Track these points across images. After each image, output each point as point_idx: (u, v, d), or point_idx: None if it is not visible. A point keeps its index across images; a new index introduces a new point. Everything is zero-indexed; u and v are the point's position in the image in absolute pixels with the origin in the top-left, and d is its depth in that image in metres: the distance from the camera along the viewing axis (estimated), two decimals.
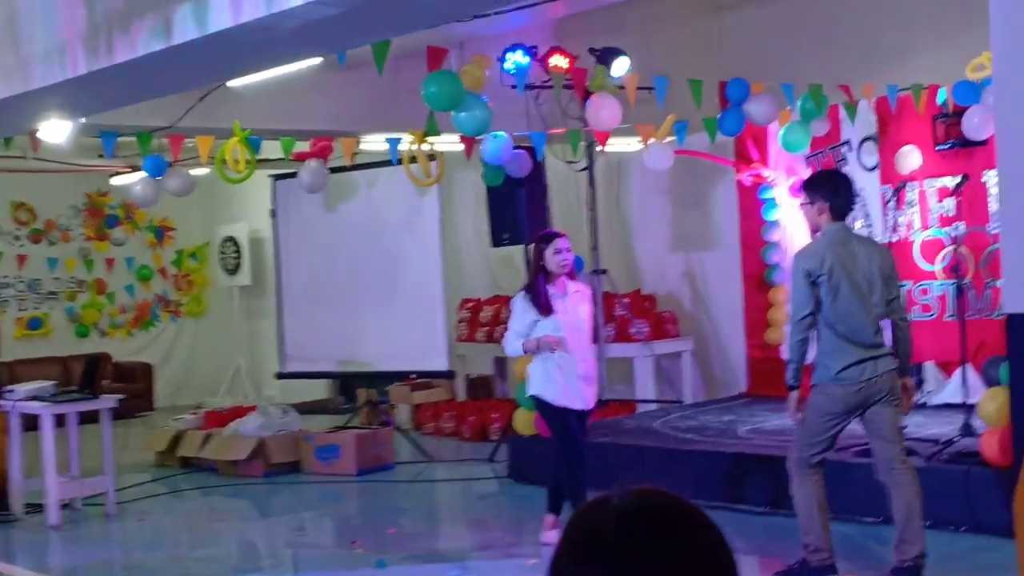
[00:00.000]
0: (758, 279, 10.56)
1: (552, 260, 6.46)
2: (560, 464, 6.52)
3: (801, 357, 5.67)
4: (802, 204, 5.75)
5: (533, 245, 6.76)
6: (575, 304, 6.53)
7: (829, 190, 5.62)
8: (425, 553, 7.03)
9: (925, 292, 9.34)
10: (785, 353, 5.90)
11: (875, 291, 5.56)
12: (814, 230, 5.73)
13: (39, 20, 6.40)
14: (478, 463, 9.65)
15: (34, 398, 8.42)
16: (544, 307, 6.41)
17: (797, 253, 5.76)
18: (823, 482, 5.77)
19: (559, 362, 6.43)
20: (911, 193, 9.27)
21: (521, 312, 6.50)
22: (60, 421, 8.45)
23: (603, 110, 8.10)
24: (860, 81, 8.94)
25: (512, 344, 6.56)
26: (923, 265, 9.34)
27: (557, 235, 6.62)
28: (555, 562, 1.21)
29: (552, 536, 6.57)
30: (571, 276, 6.60)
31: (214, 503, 9.12)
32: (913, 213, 9.36)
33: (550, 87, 8.99)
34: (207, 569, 6.76)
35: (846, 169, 9.80)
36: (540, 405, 6.62)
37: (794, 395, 5.75)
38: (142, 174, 9.11)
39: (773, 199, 10.34)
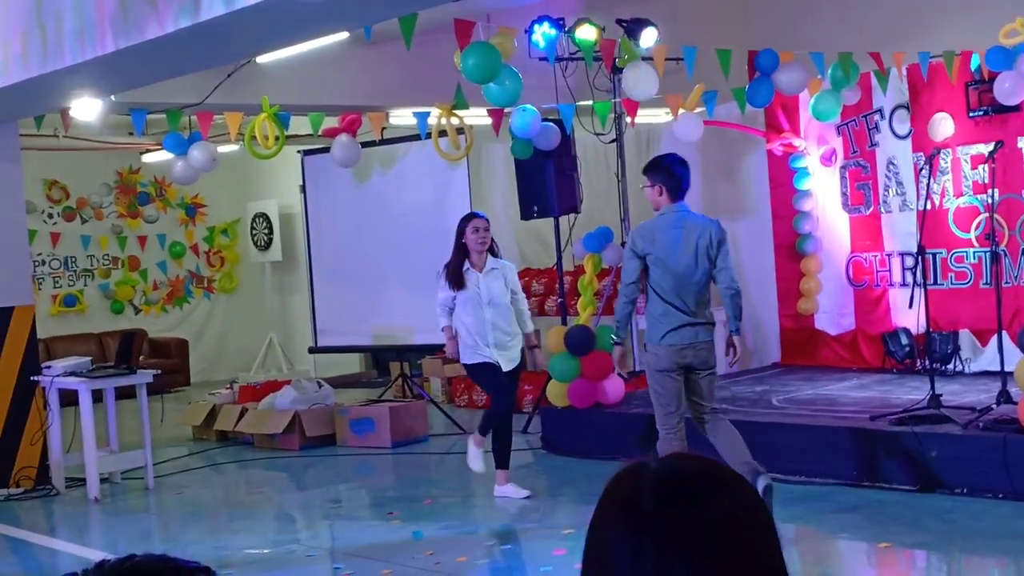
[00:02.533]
0: (790, 249, 10.51)
1: (471, 238, 7.24)
2: (495, 412, 7.38)
3: (626, 319, 6.44)
4: (644, 186, 6.44)
5: (457, 224, 7.44)
6: (491, 280, 7.25)
7: (665, 174, 6.34)
8: (460, 523, 7.08)
9: (960, 260, 9.28)
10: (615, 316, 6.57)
11: (700, 264, 6.33)
12: (656, 208, 6.43)
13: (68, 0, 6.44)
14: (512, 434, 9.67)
15: (71, 374, 8.52)
16: (456, 282, 7.25)
17: (634, 229, 6.59)
18: (685, 439, 6.38)
19: (475, 336, 7.24)
20: (944, 161, 9.18)
21: (443, 285, 7.35)
22: (97, 397, 8.55)
23: (639, 81, 8.05)
24: (891, 49, 8.85)
25: (438, 314, 7.41)
26: (958, 233, 9.26)
27: (477, 216, 7.42)
28: (594, 528, 1.22)
29: (505, 490, 7.35)
30: (492, 253, 7.32)
31: (251, 476, 9.22)
32: (946, 181, 9.28)
33: (578, 59, 8.97)
34: (245, 541, 6.84)
35: (878, 137, 9.73)
36: (469, 370, 7.49)
37: (618, 350, 6.53)
38: (191, 153, 9.14)
39: (804, 168, 10.27)
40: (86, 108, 8.10)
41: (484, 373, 7.39)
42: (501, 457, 7.42)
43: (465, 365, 7.49)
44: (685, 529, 1.15)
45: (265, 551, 6.58)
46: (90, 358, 9.11)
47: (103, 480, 8.52)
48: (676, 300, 6.31)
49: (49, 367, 8.71)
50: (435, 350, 11.99)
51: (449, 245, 10.98)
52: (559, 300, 10.16)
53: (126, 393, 9.01)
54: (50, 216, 14.83)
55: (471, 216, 7.47)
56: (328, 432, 9.96)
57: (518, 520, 7.05)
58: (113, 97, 8.14)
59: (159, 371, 9.12)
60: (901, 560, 5.94)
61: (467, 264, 7.29)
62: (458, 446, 9.64)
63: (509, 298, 7.33)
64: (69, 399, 8.65)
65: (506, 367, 7.31)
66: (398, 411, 9.91)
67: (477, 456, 7.47)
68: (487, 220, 7.43)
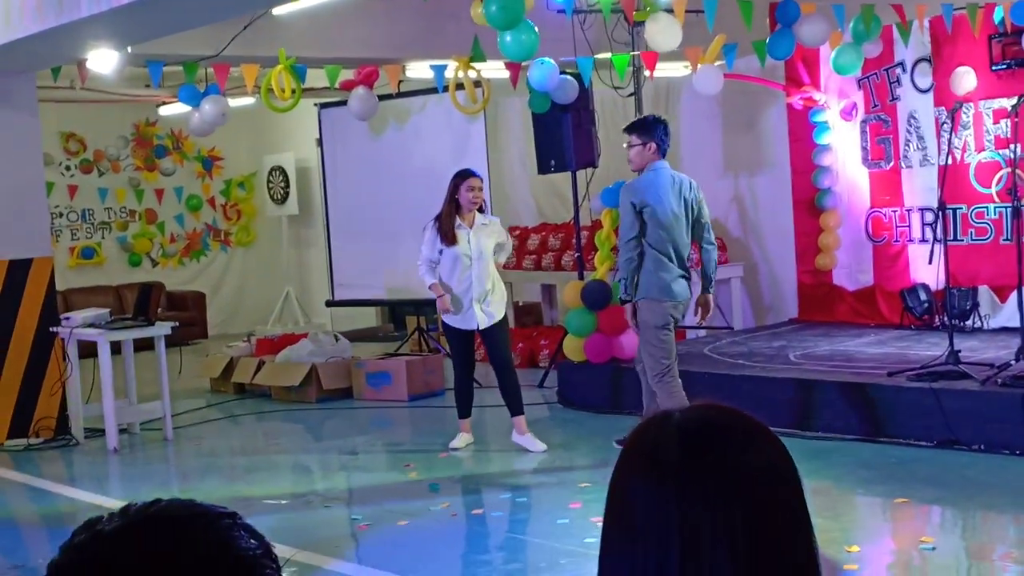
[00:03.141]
0: (809, 204, 10.45)
1: (465, 196, 7.33)
2: (457, 377, 7.72)
3: (632, 274, 6.65)
4: (632, 145, 6.68)
5: (450, 180, 7.50)
6: (481, 236, 7.35)
7: (659, 133, 6.66)
8: (476, 477, 7.11)
9: (980, 216, 9.21)
10: (618, 273, 6.85)
11: (688, 219, 6.68)
12: (640, 168, 6.70)
13: None
14: (528, 389, 9.66)
15: (90, 325, 8.55)
16: (448, 237, 7.32)
17: (625, 187, 6.79)
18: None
19: (456, 289, 7.36)
20: (966, 115, 9.09)
21: (430, 240, 7.40)
22: (115, 349, 8.59)
23: (662, 32, 7.96)
24: (913, 1, 8.73)
25: (423, 272, 7.46)
26: (978, 188, 9.19)
27: (473, 174, 7.45)
28: (618, 479, 1.21)
29: (524, 440, 7.50)
30: (480, 210, 7.42)
31: (268, 428, 9.28)
32: (968, 135, 9.19)
33: (597, 11, 8.87)
34: (262, 492, 6.89)
35: (899, 91, 9.64)
36: (445, 328, 7.71)
37: (628, 307, 6.78)
38: (202, 106, 9.11)
39: (824, 123, 10.19)
40: (103, 60, 8.07)
41: (456, 339, 7.58)
42: (513, 404, 7.55)
43: (444, 323, 7.67)
44: (710, 480, 1.13)
45: (283, 502, 6.63)
46: (108, 310, 9.15)
47: (122, 431, 8.59)
48: (672, 254, 6.63)
49: (68, 318, 8.75)
50: None
51: None
52: (576, 255, 10.14)
53: (144, 345, 9.05)
54: (67, 168, 14.85)
55: (467, 174, 7.47)
56: (345, 385, 10.00)
57: (534, 473, 7.08)
58: (130, 49, 8.10)
59: (177, 323, 9.15)
60: (918, 515, 5.95)
61: (458, 220, 7.38)
62: (474, 400, 9.68)
63: (493, 254, 7.47)
64: (88, 351, 8.70)
65: (483, 324, 7.42)
66: (414, 365, 9.94)
67: (458, 441, 7.73)
68: (482, 179, 7.56)
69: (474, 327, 7.46)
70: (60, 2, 6.70)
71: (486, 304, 7.43)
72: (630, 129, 6.84)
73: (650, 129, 6.73)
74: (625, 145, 6.83)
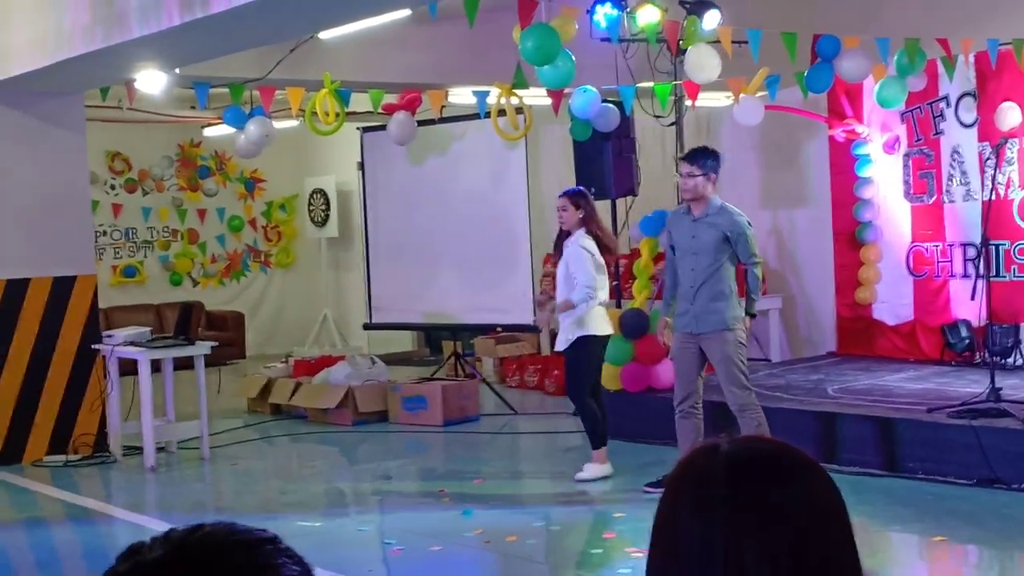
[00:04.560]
0: (849, 236, 10.38)
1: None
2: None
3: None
4: (692, 175, 6.56)
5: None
6: (565, 256, 7.32)
7: (719, 164, 6.65)
8: (510, 503, 7.09)
9: (1023, 252, 9.12)
10: (754, 291, 6.77)
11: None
12: (696, 198, 6.60)
13: None
14: (562, 416, 9.69)
15: (131, 343, 8.63)
16: (557, 254, 7.45)
17: (738, 212, 6.73)
18: None
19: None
20: (1011, 151, 9.01)
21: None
22: (155, 367, 8.66)
23: (702, 62, 7.98)
24: (959, 35, 8.69)
25: None
26: (1022, 224, 9.10)
27: (558, 196, 7.46)
28: (664, 509, 1.21)
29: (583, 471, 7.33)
30: (586, 228, 7.27)
31: (304, 449, 9.31)
32: (1012, 171, 9.10)
33: (641, 40, 8.90)
34: (296, 514, 6.91)
35: (943, 125, 9.58)
36: None
37: (748, 320, 6.76)
38: (247, 128, 9.21)
39: (866, 155, 10.14)
40: (151, 81, 8.18)
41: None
42: (589, 436, 7.48)
43: None
44: (756, 512, 1.14)
45: (316, 524, 6.64)
46: (149, 328, 9.23)
47: (159, 449, 8.65)
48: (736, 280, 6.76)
49: (110, 336, 8.84)
50: (487, 330, 12.03)
51: (505, 226, 11.10)
52: (614, 283, 10.12)
53: (183, 364, 9.12)
54: (112, 187, 15.02)
55: (558, 194, 7.55)
56: (380, 408, 10.03)
57: (568, 502, 7.06)
58: (177, 70, 8.21)
59: (216, 343, 9.21)
60: (955, 555, 5.88)
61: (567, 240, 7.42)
62: (509, 426, 9.69)
63: (566, 275, 7.33)
64: (128, 368, 8.78)
65: (556, 347, 7.59)
66: (450, 390, 9.95)
67: (593, 472, 7.39)
68: (565, 198, 7.39)
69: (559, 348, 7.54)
70: (110, 23, 6.81)
71: (563, 327, 7.42)
72: (693, 158, 6.72)
73: (711, 159, 6.68)
74: (685, 173, 6.67)
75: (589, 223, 7.31)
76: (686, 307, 6.64)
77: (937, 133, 9.64)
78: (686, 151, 7.12)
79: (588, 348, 7.32)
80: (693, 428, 6.61)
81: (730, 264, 6.62)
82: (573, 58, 7.30)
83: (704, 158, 6.66)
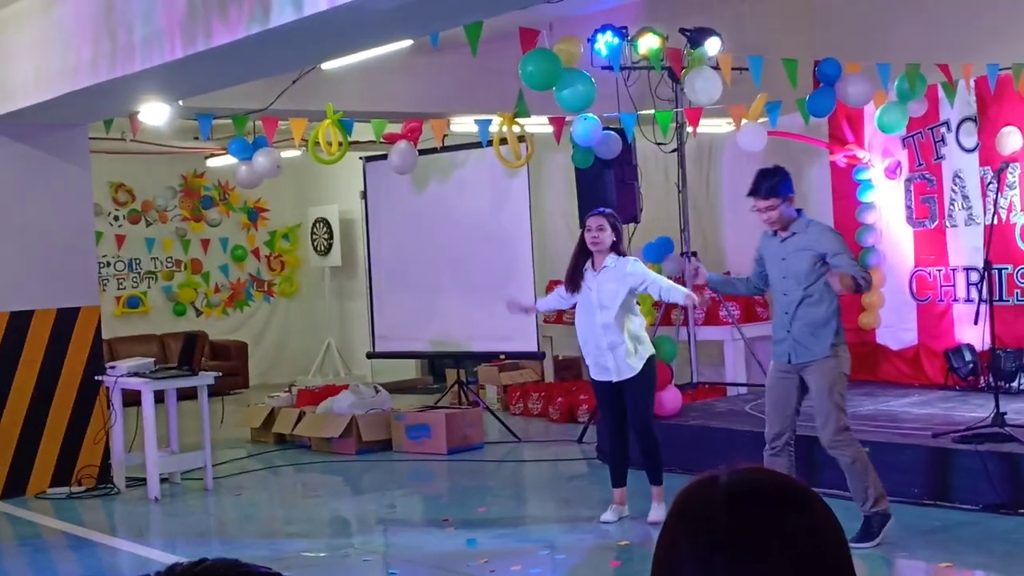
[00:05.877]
0: None
1: (587, 238, 6.75)
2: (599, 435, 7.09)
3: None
4: (772, 208, 6.09)
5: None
6: (604, 280, 6.70)
7: (790, 179, 6.22)
8: (515, 532, 7.07)
9: None
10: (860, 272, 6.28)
11: None
12: (782, 224, 6.14)
13: (139, 6, 6.55)
14: (566, 444, 9.67)
15: (135, 374, 8.63)
16: (572, 283, 6.83)
17: (833, 228, 6.57)
18: None
19: (583, 340, 6.85)
20: (1012, 175, 9.03)
21: (559, 290, 7.10)
22: (159, 397, 8.66)
23: (703, 85, 8.01)
24: (959, 60, 8.73)
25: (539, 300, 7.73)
26: None
27: (593, 213, 6.86)
28: (663, 541, 1.21)
29: (609, 512, 6.93)
30: (616, 251, 6.73)
31: (308, 479, 9.29)
32: (1013, 196, 9.12)
33: (642, 68, 8.95)
34: (301, 544, 6.89)
35: (944, 150, 9.60)
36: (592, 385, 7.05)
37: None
38: (256, 159, 9.26)
39: (868, 180, 10.16)
40: (154, 112, 8.23)
41: (598, 393, 6.97)
42: (650, 471, 6.92)
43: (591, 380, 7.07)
44: (756, 543, 1.14)
45: (321, 554, 6.63)
46: (153, 359, 9.24)
47: (163, 480, 8.63)
48: None
49: (113, 367, 8.84)
50: (491, 358, 12.02)
51: (508, 254, 11.12)
52: None
53: (187, 394, 9.12)
54: (116, 218, 15.06)
55: (591, 213, 6.90)
56: (384, 437, 10.01)
57: (573, 531, 7.03)
58: (181, 102, 8.26)
59: (220, 373, 9.22)
60: None
61: (588, 264, 6.82)
62: (513, 454, 9.67)
63: (623, 300, 6.68)
64: (131, 399, 8.78)
65: (615, 376, 6.72)
66: (454, 418, 9.93)
67: (609, 514, 6.95)
68: (603, 218, 6.75)
69: (608, 379, 6.76)
70: (114, 57, 6.85)
71: (619, 355, 6.70)
72: (772, 187, 6.14)
73: (787, 183, 6.24)
74: (764, 208, 6.16)
75: (619, 246, 6.79)
76: (782, 335, 6.13)
77: (938, 158, 9.67)
78: (751, 185, 6.28)
79: (655, 368, 6.88)
80: (786, 468, 6.00)
81: (829, 286, 6.05)
82: (592, 80, 7.34)
83: (773, 184, 6.12)
